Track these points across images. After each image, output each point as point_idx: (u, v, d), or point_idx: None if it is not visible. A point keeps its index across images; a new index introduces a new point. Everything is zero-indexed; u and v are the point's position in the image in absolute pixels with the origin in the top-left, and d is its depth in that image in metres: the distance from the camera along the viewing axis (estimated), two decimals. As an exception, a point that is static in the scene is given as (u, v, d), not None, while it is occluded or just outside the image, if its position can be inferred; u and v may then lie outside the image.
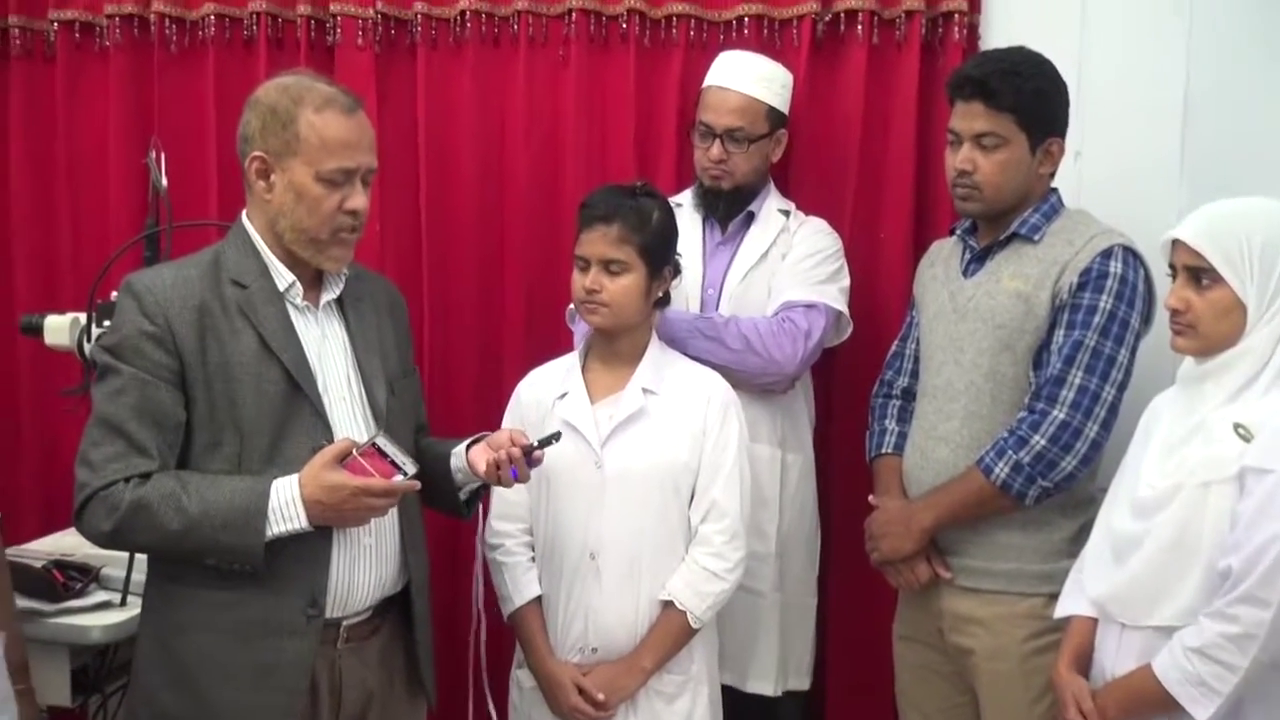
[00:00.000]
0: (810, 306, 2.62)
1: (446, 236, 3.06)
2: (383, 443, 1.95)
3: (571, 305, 2.68)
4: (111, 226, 3.13)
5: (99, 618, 2.37)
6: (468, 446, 2.18)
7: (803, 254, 2.70)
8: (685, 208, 2.78)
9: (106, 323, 2.30)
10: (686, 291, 2.67)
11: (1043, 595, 2.28)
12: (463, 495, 2.22)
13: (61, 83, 3.17)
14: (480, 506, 2.32)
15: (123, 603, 2.40)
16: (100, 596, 2.42)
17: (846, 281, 2.72)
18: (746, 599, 2.59)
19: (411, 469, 1.95)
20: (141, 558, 2.18)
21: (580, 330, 2.63)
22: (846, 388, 2.90)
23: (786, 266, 2.69)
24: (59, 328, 2.63)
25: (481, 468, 2.12)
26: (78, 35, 3.16)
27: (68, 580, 2.42)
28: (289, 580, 1.96)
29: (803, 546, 2.76)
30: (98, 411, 1.96)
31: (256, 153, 1.99)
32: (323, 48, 3.05)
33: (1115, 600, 2.04)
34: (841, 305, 2.67)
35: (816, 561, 2.81)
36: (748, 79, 2.72)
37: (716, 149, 2.69)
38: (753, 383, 2.58)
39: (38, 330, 2.66)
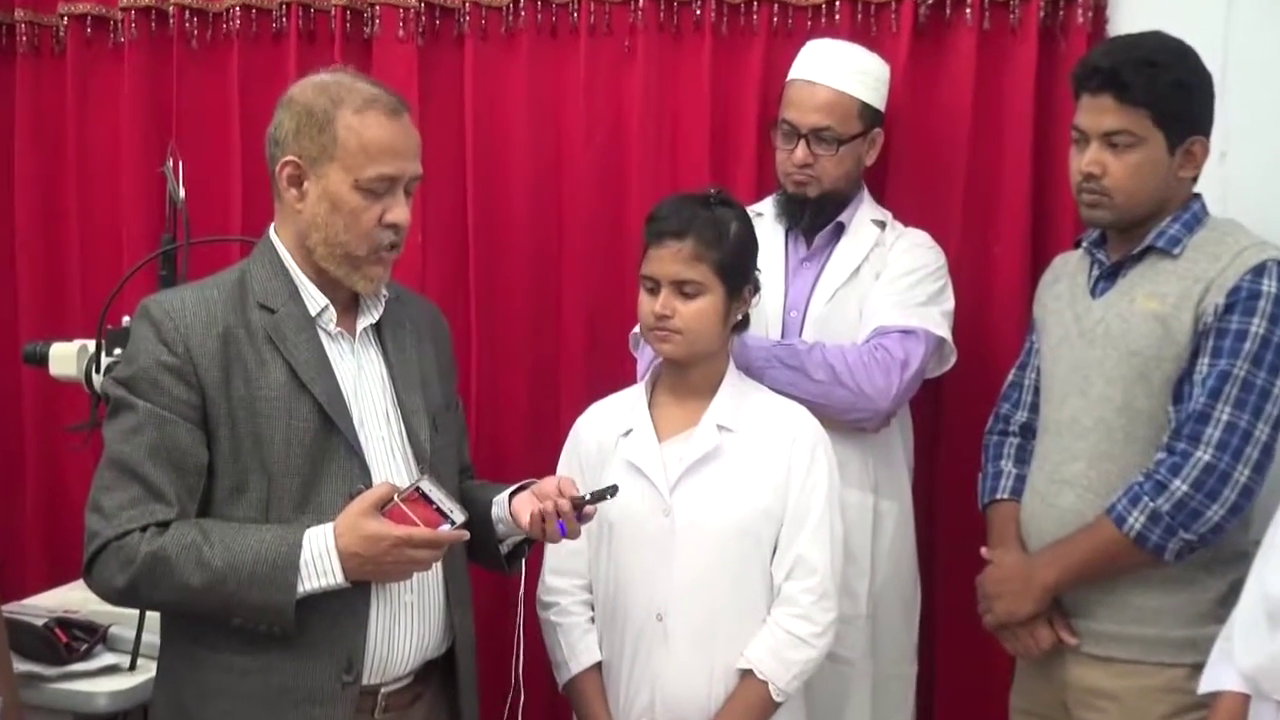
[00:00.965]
0: (907, 332, 2.59)
1: (497, 251, 3.08)
2: (428, 487, 1.95)
3: (636, 329, 2.68)
4: (125, 243, 3.19)
5: (106, 683, 2.39)
6: (511, 494, 2.18)
7: (900, 271, 2.68)
8: (765, 218, 2.78)
9: (118, 351, 2.36)
10: (766, 314, 2.66)
11: (1185, 666, 2.25)
12: (504, 549, 2.23)
13: (72, 82, 3.24)
14: (525, 564, 2.32)
15: (132, 666, 2.42)
16: (108, 659, 2.44)
17: (950, 304, 2.69)
18: (833, 668, 2.57)
19: (460, 517, 1.96)
20: (153, 616, 2.21)
21: (645, 358, 2.63)
22: (955, 424, 2.88)
23: (881, 286, 2.67)
24: (65, 356, 2.66)
25: (525, 519, 2.12)
26: (89, 30, 3.24)
27: (72, 640, 2.44)
28: (322, 642, 1.97)
29: (899, 607, 2.73)
30: (110, 452, 1.98)
31: (289, 157, 2.02)
32: (359, 40, 3.10)
33: (1269, 674, 1.98)
34: (944, 331, 2.65)
35: (916, 625, 2.79)
36: (838, 72, 2.71)
37: (801, 151, 2.68)
38: (841, 419, 2.56)
39: (42, 359, 2.70)
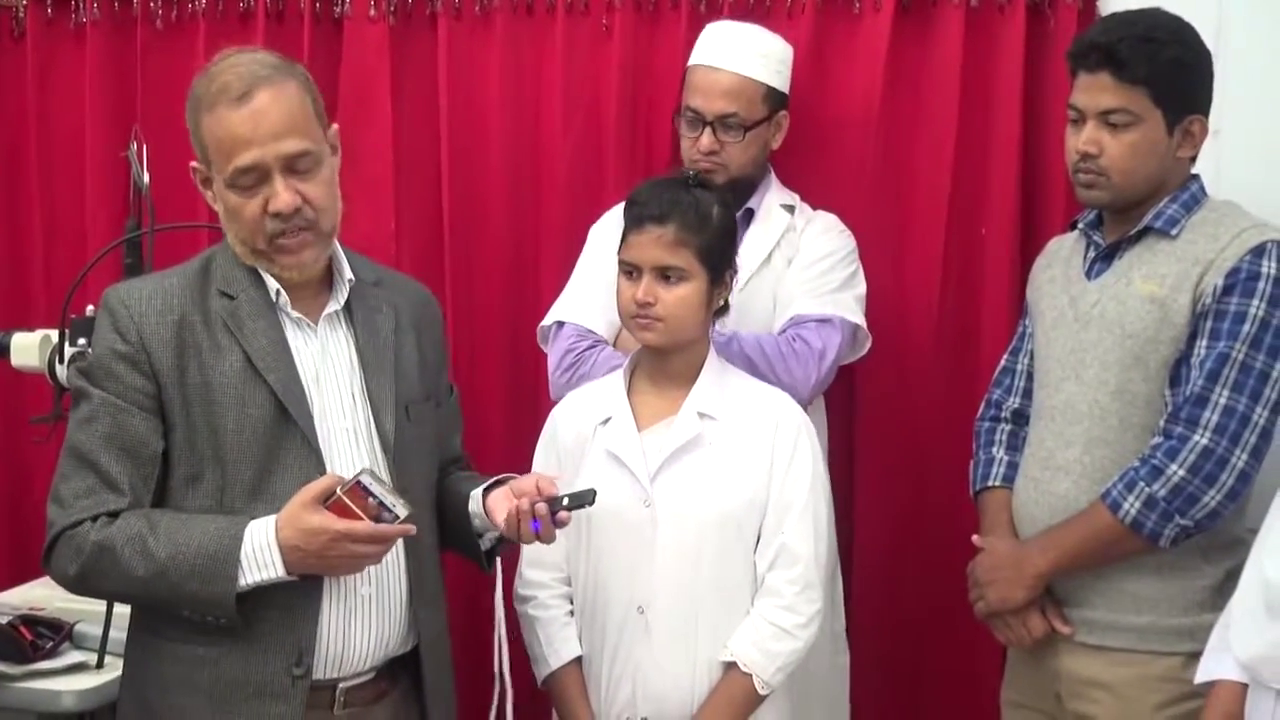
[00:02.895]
0: (824, 321, 2.61)
1: (473, 236, 3.07)
2: (368, 480, 1.93)
3: (545, 322, 2.69)
4: (88, 230, 3.18)
5: (72, 681, 2.37)
6: (486, 489, 2.17)
7: (812, 257, 2.69)
8: None
9: (81, 341, 2.36)
10: None
11: (1181, 654, 2.25)
12: (484, 545, 2.22)
13: (32, 65, 3.22)
14: (500, 560, 2.30)
15: (99, 664, 2.40)
16: (74, 657, 2.43)
17: (863, 288, 2.71)
18: None
19: (402, 511, 1.93)
20: (122, 614, 2.19)
21: (556, 353, 2.63)
22: (943, 409, 2.89)
23: (794, 273, 2.68)
24: (28, 347, 2.65)
25: (499, 517, 2.11)
26: (50, 11, 3.22)
27: (37, 638, 2.43)
28: (272, 634, 1.98)
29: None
30: (69, 441, 2.00)
31: (193, 163, 2.04)
32: (329, 20, 3.09)
33: (1268, 662, 1.99)
34: (858, 317, 2.66)
35: (841, 613, 2.77)
36: (740, 55, 2.70)
37: (707, 139, 2.68)
38: None
39: (3, 350, 2.68)
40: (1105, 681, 2.30)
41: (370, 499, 1.92)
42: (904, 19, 2.88)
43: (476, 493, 2.17)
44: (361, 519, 1.91)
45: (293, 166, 1.98)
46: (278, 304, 2.04)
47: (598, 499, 2.13)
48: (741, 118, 2.67)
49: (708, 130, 2.67)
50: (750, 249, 2.71)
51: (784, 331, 2.62)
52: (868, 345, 2.71)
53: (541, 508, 2.06)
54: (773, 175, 2.81)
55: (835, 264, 2.68)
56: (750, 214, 2.75)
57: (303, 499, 1.91)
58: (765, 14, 2.91)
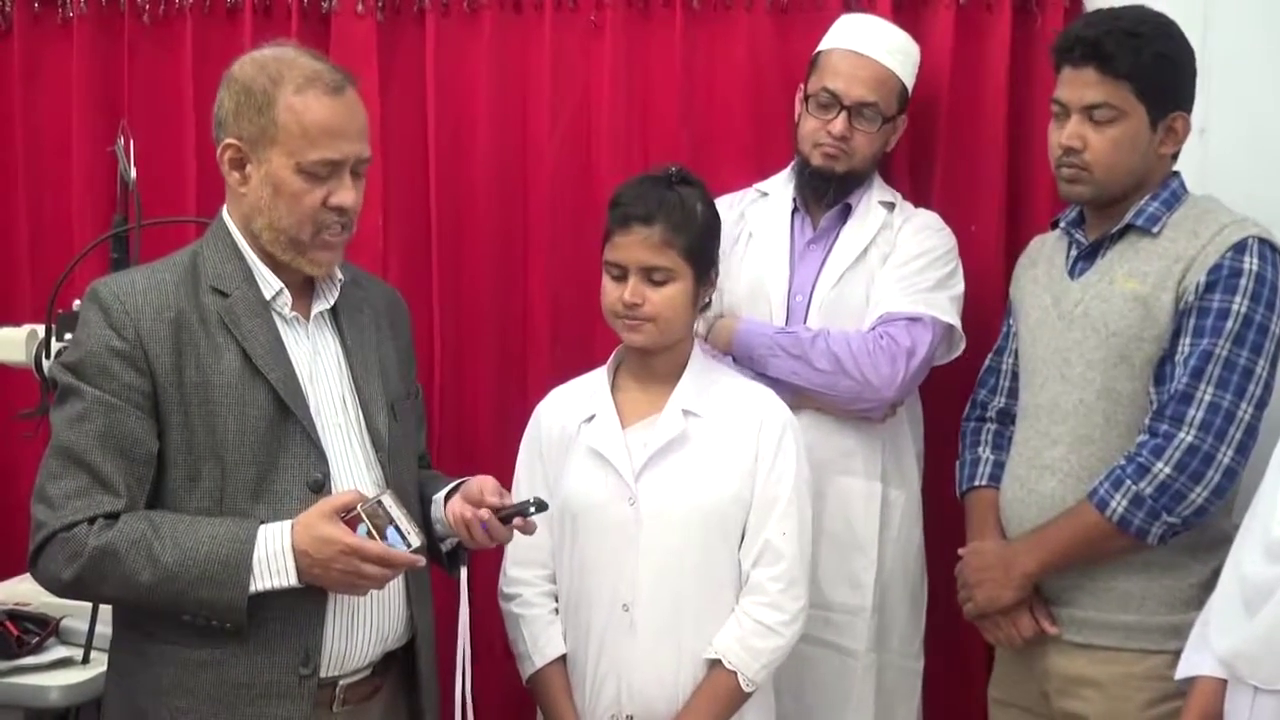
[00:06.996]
0: (914, 320, 2.60)
1: (461, 233, 3.08)
2: (389, 503, 1.95)
3: None
4: (75, 225, 3.17)
5: (58, 677, 2.39)
6: (447, 494, 2.18)
7: (907, 255, 2.68)
8: (770, 198, 2.79)
9: (68, 336, 2.33)
10: (770, 298, 2.69)
11: (1168, 653, 2.27)
12: (445, 547, 2.23)
13: (18, 60, 3.21)
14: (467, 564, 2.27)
15: (85, 660, 2.42)
16: (60, 652, 2.45)
17: (960, 288, 2.69)
18: (836, 660, 2.59)
19: (415, 541, 1.95)
20: (107, 608, 2.20)
21: None
22: (945, 411, 2.87)
23: (888, 270, 2.68)
24: (13, 342, 2.66)
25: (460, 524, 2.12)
26: (37, 6, 3.20)
27: (23, 634, 2.45)
28: (279, 635, 1.98)
29: (907, 599, 2.73)
30: (57, 440, 1.98)
31: (229, 139, 2.01)
32: (317, 16, 3.08)
33: (1245, 658, 2.00)
34: (952, 317, 2.65)
35: (923, 617, 2.78)
36: (884, 47, 2.70)
37: (841, 123, 2.66)
38: (846, 409, 2.58)
39: (-11, 345, 2.68)
40: (1094, 679, 2.33)
41: (385, 521, 1.92)
42: (897, 17, 2.87)
43: (438, 498, 2.19)
44: (373, 539, 1.91)
45: (356, 170, 2.03)
46: (273, 303, 2.05)
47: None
48: (880, 109, 2.67)
49: (843, 115, 2.65)
50: (845, 244, 2.72)
51: (873, 329, 2.62)
52: (962, 346, 2.70)
53: (484, 514, 2.07)
54: (876, 174, 2.80)
55: (930, 263, 2.68)
56: (848, 209, 2.75)
57: (322, 509, 1.92)
58: (763, 11, 2.93)
